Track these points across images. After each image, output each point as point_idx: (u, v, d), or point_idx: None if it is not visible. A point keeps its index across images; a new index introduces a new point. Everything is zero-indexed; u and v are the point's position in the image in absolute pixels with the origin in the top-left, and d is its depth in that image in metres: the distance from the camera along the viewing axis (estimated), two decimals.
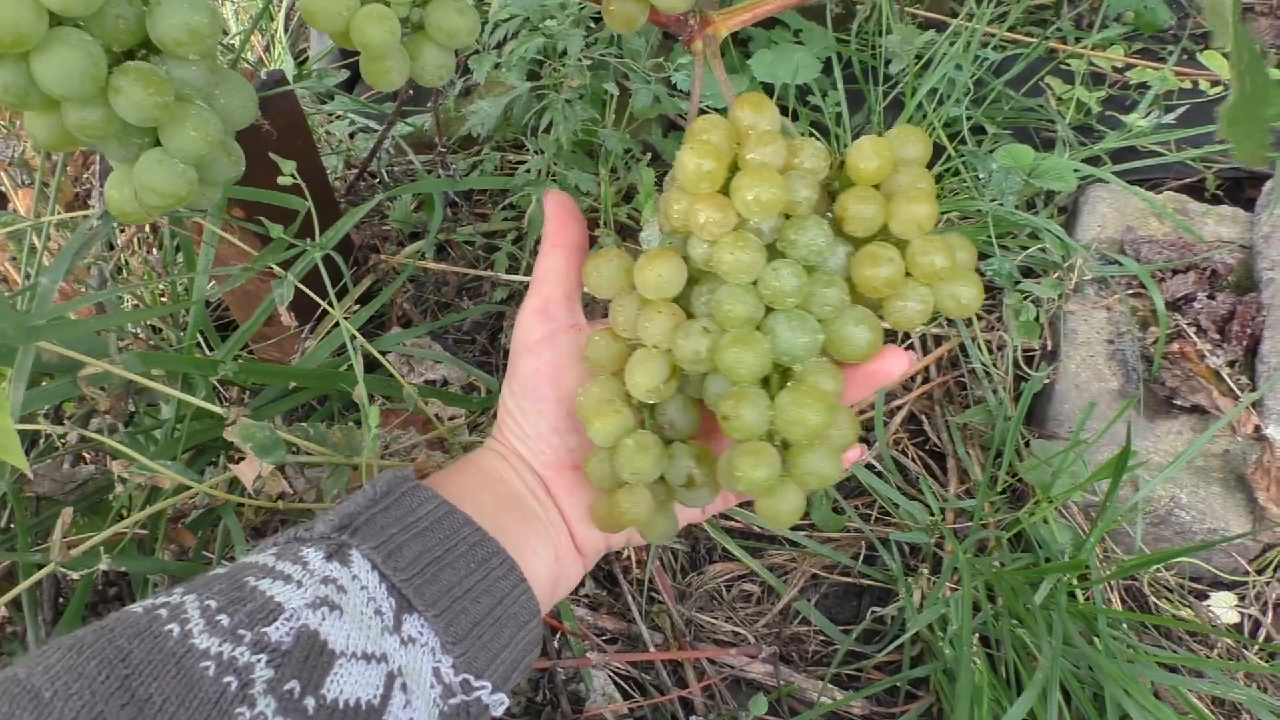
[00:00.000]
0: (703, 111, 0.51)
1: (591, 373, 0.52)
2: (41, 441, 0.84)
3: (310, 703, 0.38)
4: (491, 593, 0.46)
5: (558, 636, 0.96)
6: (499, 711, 0.45)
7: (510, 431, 0.55)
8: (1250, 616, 0.99)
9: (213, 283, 0.97)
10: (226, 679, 0.37)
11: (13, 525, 0.79)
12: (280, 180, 0.80)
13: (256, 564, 0.43)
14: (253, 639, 0.38)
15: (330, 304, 0.81)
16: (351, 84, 1.58)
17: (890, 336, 0.58)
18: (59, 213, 0.87)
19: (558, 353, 0.53)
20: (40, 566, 0.69)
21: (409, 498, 0.48)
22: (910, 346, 1.20)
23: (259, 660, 0.38)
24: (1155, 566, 0.99)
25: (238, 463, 0.71)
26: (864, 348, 0.46)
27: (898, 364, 0.49)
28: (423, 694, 0.42)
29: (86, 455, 0.92)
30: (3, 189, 1.04)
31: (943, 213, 1.27)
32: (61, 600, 0.81)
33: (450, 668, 0.43)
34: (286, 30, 1.56)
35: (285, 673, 0.38)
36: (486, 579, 0.46)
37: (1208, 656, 0.93)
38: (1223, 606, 0.99)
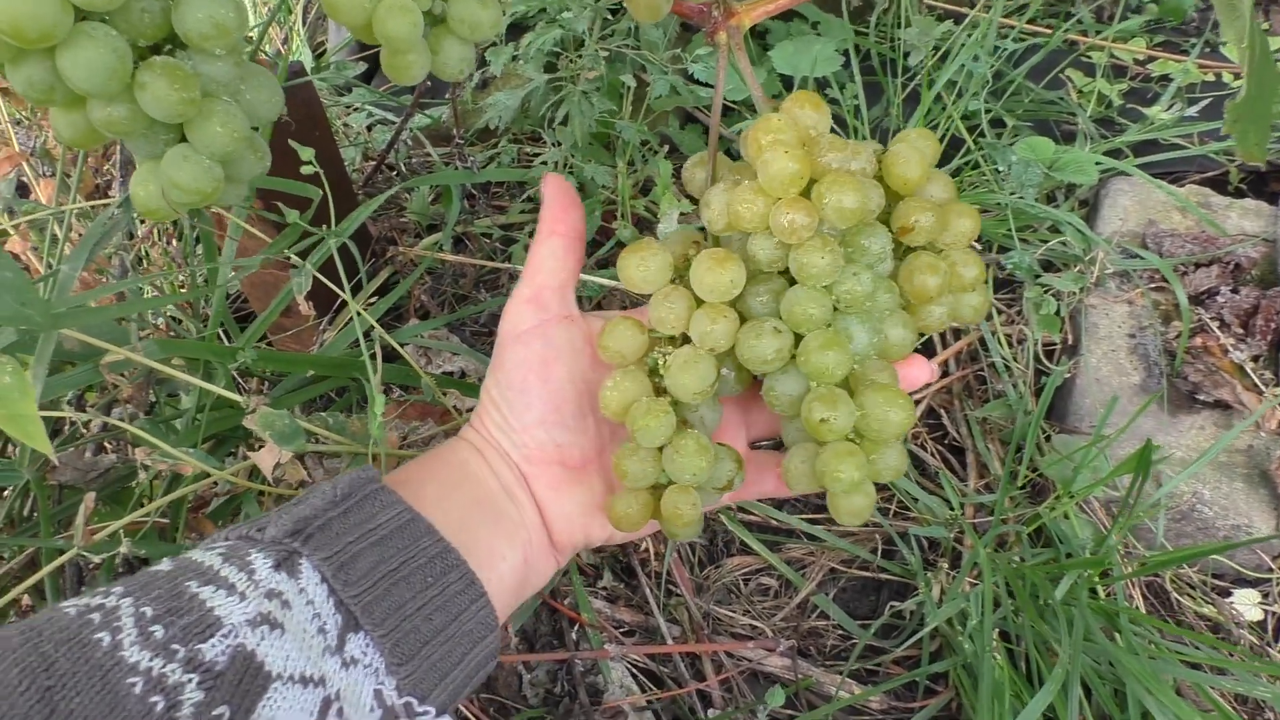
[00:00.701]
0: (725, 105, 0.51)
1: (608, 362, 0.51)
2: (65, 430, 0.85)
3: None
4: (446, 609, 0.44)
5: (576, 628, 0.96)
6: None
7: (492, 422, 0.53)
8: (1274, 614, 0.98)
9: (233, 273, 0.97)
10: (153, 699, 0.35)
11: (35, 513, 0.79)
12: (304, 170, 0.80)
13: (201, 566, 0.41)
14: (185, 655, 0.37)
15: (348, 295, 0.81)
16: (369, 76, 1.58)
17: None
18: (80, 203, 0.88)
19: (548, 344, 0.52)
20: (62, 553, 0.69)
21: (370, 502, 0.46)
22: (928, 344, 1.19)
23: (190, 680, 0.36)
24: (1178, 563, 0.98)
25: (257, 451, 0.71)
26: (905, 349, 0.49)
27: (922, 372, 0.52)
28: (361, 718, 0.40)
29: (108, 445, 0.92)
30: (25, 179, 1.04)
31: None
32: (83, 588, 0.82)
33: (394, 689, 0.42)
34: (305, 23, 1.56)
35: (216, 696, 0.36)
36: (443, 594, 0.45)
37: (1230, 654, 0.92)
38: (1246, 603, 0.98)
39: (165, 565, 0.41)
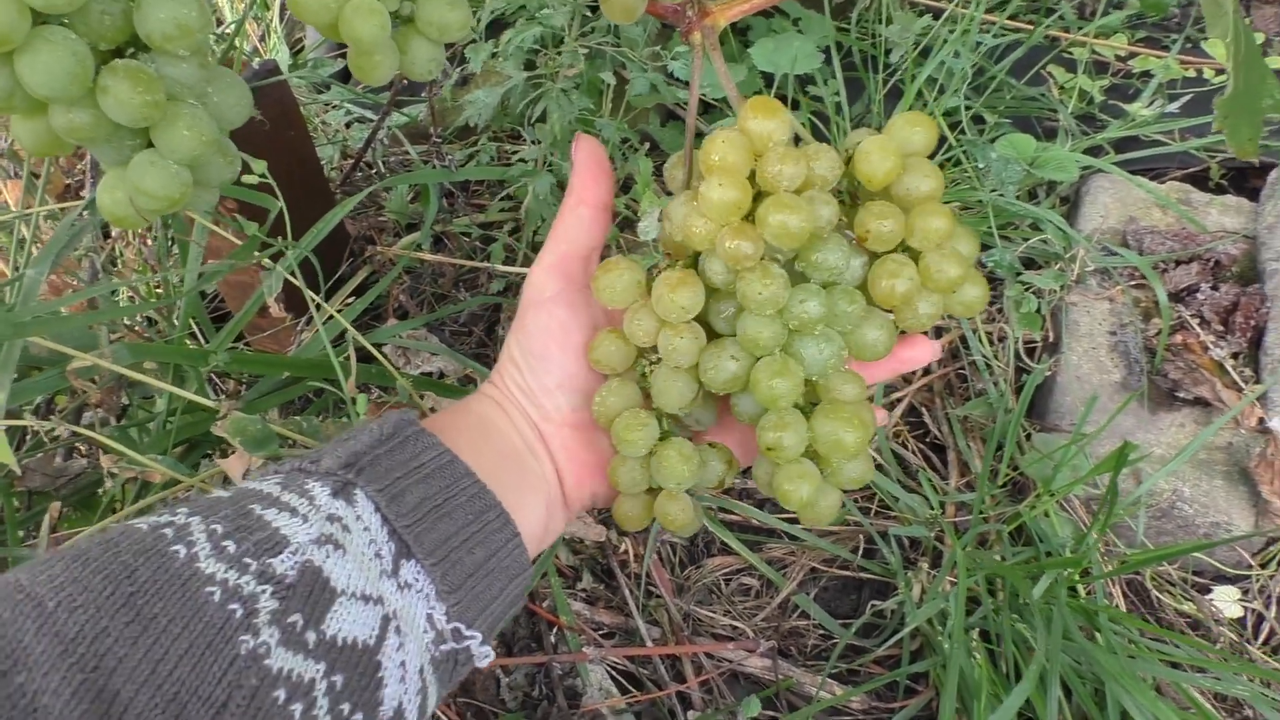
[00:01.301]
0: (700, 104, 0.51)
1: (599, 371, 0.53)
2: (30, 436, 0.84)
3: (311, 637, 0.38)
4: (486, 545, 0.46)
5: (554, 631, 0.95)
6: (484, 663, 0.46)
7: (512, 380, 0.55)
8: (1253, 611, 0.98)
9: (203, 275, 0.96)
10: (232, 606, 0.37)
11: (2, 520, 0.78)
12: (247, 179, 0.79)
13: (261, 492, 0.42)
14: (258, 569, 0.38)
15: (322, 297, 0.80)
16: (348, 74, 1.57)
17: None
18: (49, 204, 0.86)
19: (570, 312, 0.53)
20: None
21: (413, 442, 0.47)
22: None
23: (264, 591, 0.38)
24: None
25: (228, 457, 0.70)
26: (882, 349, 0.49)
27: (924, 352, 0.52)
28: (416, 638, 0.42)
29: (80, 448, 0.91)
30: None
31: (943, 202, 1.26)
32: None
33: (443, 615, 0.44)
34: (282, 19, 1.54)
35: (289, 605, 0.38)
36: (483, 530, 0.46)
37: (1210, 652, 0.92)
38: (1225, 600, 0.98)
39: (224, 493, 0.43)
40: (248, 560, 0.38)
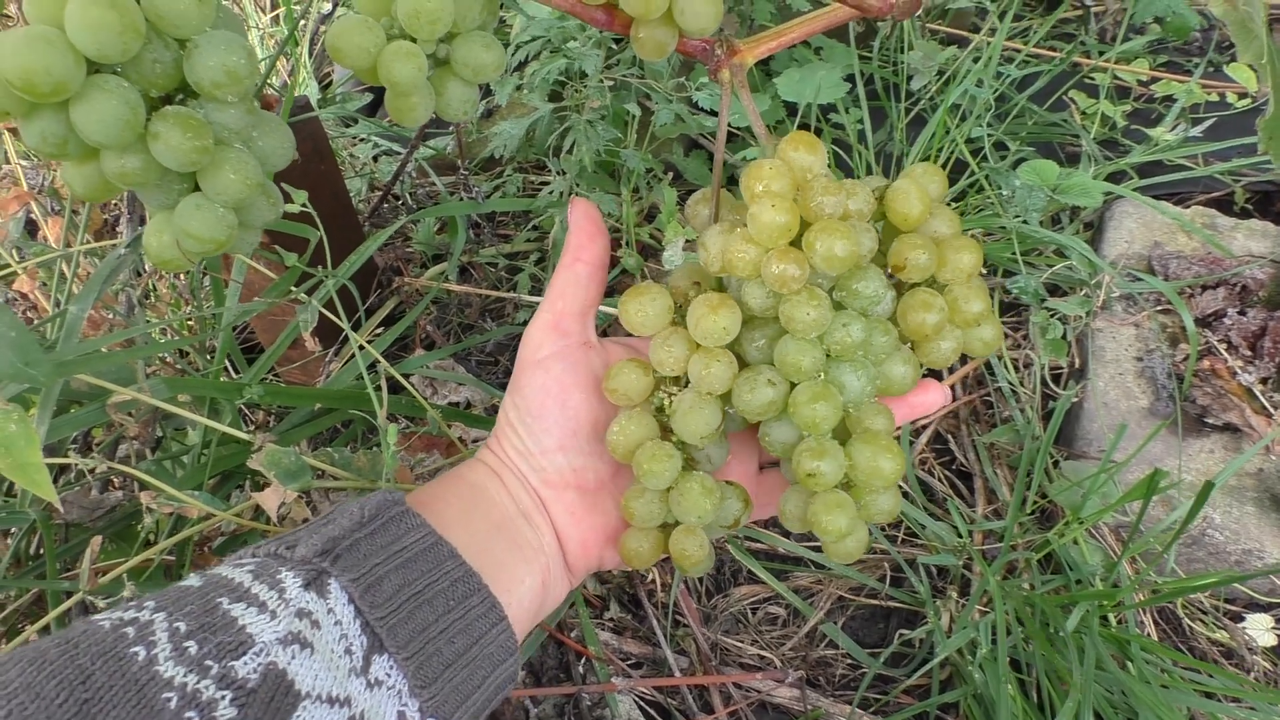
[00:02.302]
0: (730, 134, 0.52)
1: (614, 403, 0.52)
2: (71, 469, 0.85)
3: None
4: (469, 632, 0.45)
5: (583, 662, 0.95)
6: None
7: (510, 445, 0.54)
8: None
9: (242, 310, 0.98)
10: (188, 714, 0.36)
11: (41, 552, 0.80)
12: (287, 208, 0.80)
13: (231, 583, 0.41)
14: (219, 672, 0.37)
15: (353, 328, 0.82)
16: (375, 107, 1.60)
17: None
18: (88, 241, 0.88)
19: (567, 370, 0.53)
20: (69, 594, 0.69)
21: (396, 524, 0.46)
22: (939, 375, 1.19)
23: (223, 697, 0.37)
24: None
25: (263, 489, 0.71)
26: (907, 385, 0.50)
27: (936, 398, 0.53)
28: None
29: (115, 480, 0.93)
30: (34, 216, 1.05)
31: (967, 230, 1.26)
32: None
33: (417, 711, 0.43)
34: (311, 55, 1.57)
35: (248, 713, 0.37)
36: (465, 617, 0.45)
37: (1244, 678, 0.91)
38: (1259, 629, 0.97)
39: (195, 581, 0.42)
40: (209, 663, 0.37)
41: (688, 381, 0.50)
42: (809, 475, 0.46)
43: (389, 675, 0.42)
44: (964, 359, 1.19)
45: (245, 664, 0.38)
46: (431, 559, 0.46)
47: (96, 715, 0.34)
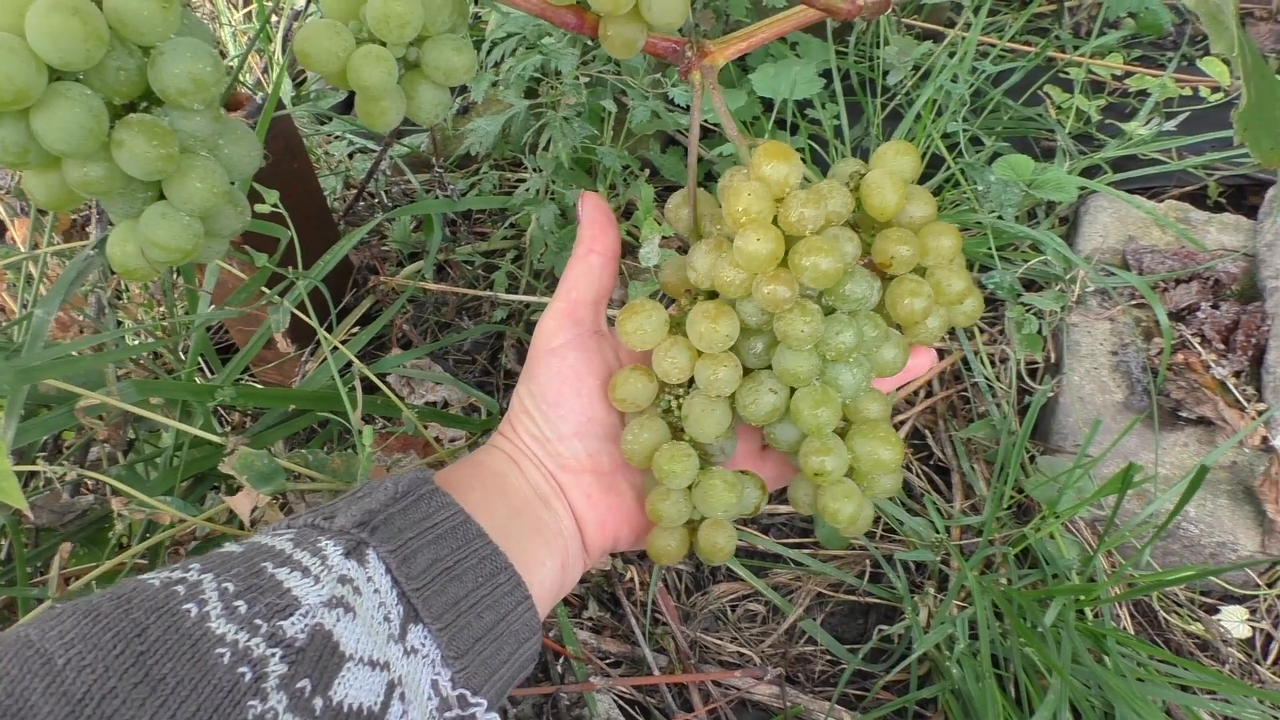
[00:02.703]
0: (701, 129, 0.53)
1: (622, 410, 0.54)
2: (41, 475, 0.84)
3: (319, 703, 0.38)
4: (496, 608, 0.46)
5: (561, 661, 0.95)
6: None
7: (526, 432, 0.55)
8: (1262, 631, 0.98)
9: (211, 307, 0.97)
10: (241, 669, 0.36)
11: (11, 557, 0.79)
12: (259, 208, 0.80)
13: (273, 549, 0.42)
14: (268, 631, 0.38)
15: (329, 328, 0.81)
16: (349, 105, 1.58)
17: None
18: (56, 241, 0.87)
19: (582, 357, 0.54)
20: (40, 600, 0.68)
21: (427, 501, 0.48)
22: None
23: (274, 654, 0.38)
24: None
25: (236, 492, 0.70)
26: (898, 366, 0.52)
27: (926, 360, 0.55)
28: (420, 705, 0.42)
29: (87, 484, 0.92)
30: (0, 218, 1.04)
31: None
32: None
33: (449, 681, 0.44)
34: (284, 52, 1.55)
35: (298, 670, 0.38)
36: (493, 594, 0.47)
37: (1219, 672, 0.92)
38: (1233, 621, 0.98)
39: (236, 547, 0.43)
40: (259, 622, 0.38)
41: (690, 384, 0.52)
42: (816, 474, 0.49)
43: (424, 644, 0.43)
44: (941, 355, 1.19)
45: (293, 624, 0.39)
46: (461, 536, 0.47)
47: (152, 667, 0.35)
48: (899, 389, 1.15)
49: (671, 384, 0.52)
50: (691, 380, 0.52)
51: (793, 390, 0.50)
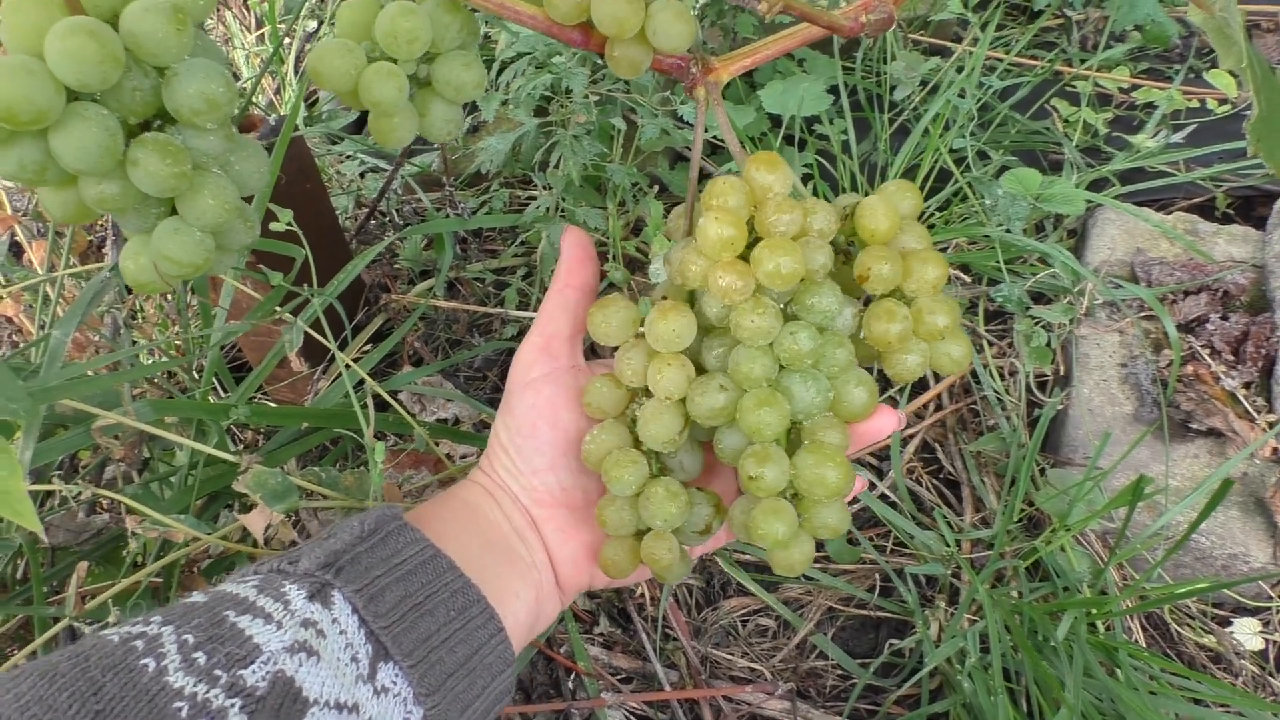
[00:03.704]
0: (708, 145, 0.53)
1: (591, 417, 0.53)
2: (56, 494, 0.85)
3: None
4: (469, 642, 0.46)
5: (572, 677, 0.95)
6: None
7: (502, 466, 0.55)
8: (1275, 643, 0.98)
9: (227, 325, 0.98)
10: None
11: (28, 577, 0.79)
12: (274, 226, 0.81)
13: (236, 596, 0.42)
14: (228, 681, 0.38)
15: (341, 346, 0.82)
16: (361, 125, 1.60)
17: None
18: (73, 263, 0.88)
19: (558, 391, 0.54)
20: (56, 620, 0.69)
21: (395, 537, 0.47)
22: (921, 379, 1.19)
23: (233, 705, 0.37)
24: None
25: (249, 511, 0.71)
26: (863, 409, 0.49)
27: (889, 423, 0.52)
28: None
29: (102, 503, 0.93)
30: (18, 239, 1.05)
31: (951, 239, 1.27)
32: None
33: (421, 718, 0.43)
34: (297, 73, 1.57)
35: (258, 719, 0.37)
36: (465, 628, 0.46)
37: (1232, 684, 0.92)
38: (1246, 633, 0.98)
39: (200, 597, 0.43)
40: (218, 672, 0.38)
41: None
42: (750, 479, 0.47)
43: (395, 683, 0.43)
44: None
45: (253, 672, 0.38)
46: (431, 571, 0.47)
47: None
48: (900, 434, 1.15)
49: (640, 391, 0.51)
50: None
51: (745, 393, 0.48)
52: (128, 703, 0.36)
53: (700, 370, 0.50)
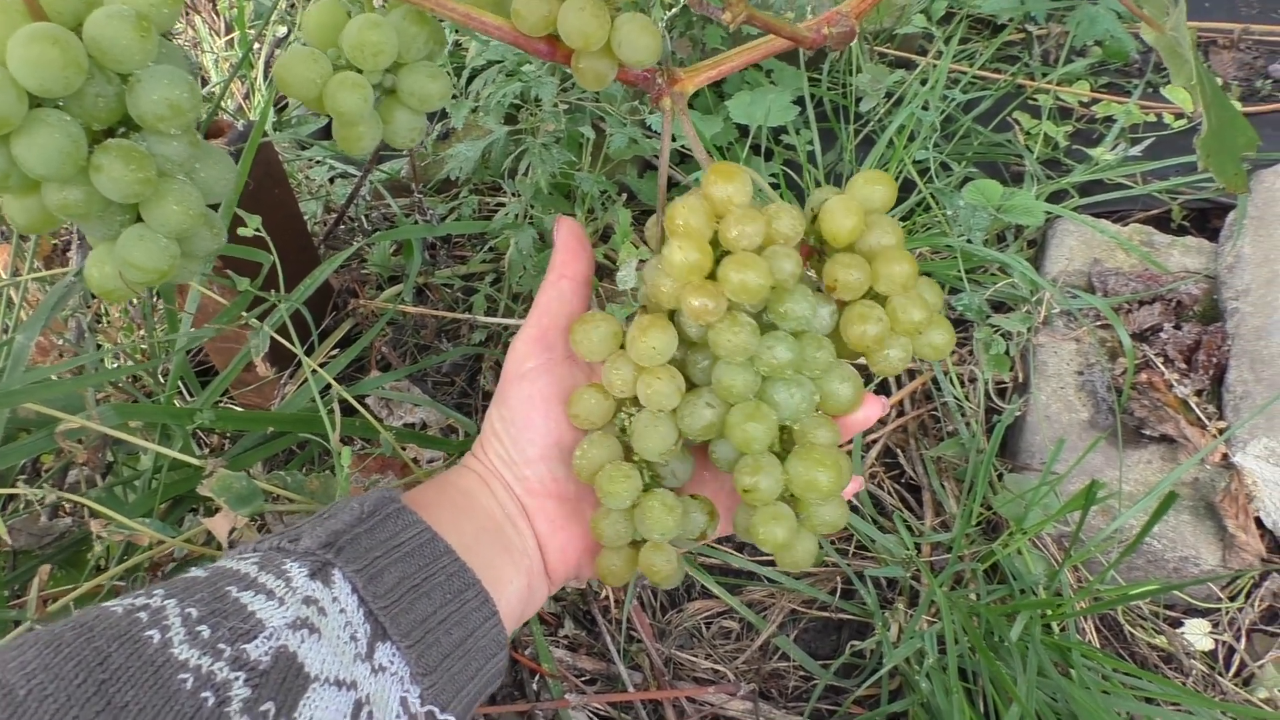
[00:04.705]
0: (677, 154, 0.53)
1: (578, 428, 0.54)
2: (20, 497, 0.85)
3: None
4: (464, 624, 0.47)
5: (536, 679, 0.96)
6: None
7: (495, 454, 0.56)
8: (1224, 643, 1.00)
9: (191, 330, 0.98)
10: (204, 694, 0.36)
11: None
12: (241, 232, 0.81)
13: (238, 573, 0.42)
14: (232, 655, 0.38)
15: (307, 352, 0.82)
16: (329, 130, 1.60)
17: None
18: (37, 267, 0.88)
19: (551, 382, 0.54)
20: (18, 623, 0.69)
21: (393, 520, 0.48)
22: (884, 384, 1.21)
23: (237, 678, 0.38)
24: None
25: (214, 514, 0.71)
26: (849, 402, 0.50)
27: (874, 410, 0.53)
28: None
29: (65, 506, 0.92)
30: None
31: (914, 248, 1.29)
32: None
33: (418, 698, 0.44)
34: (266, 78, 1.57)
35: (262, 693, 0.38)
36: (461, 610, 0.47)
37: (1183, 684, 0.94)
38: (1196, 634, 1.00)
39: (200, 572, 0.43)
40: (222, 646, 0.38)
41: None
42: (746, 491, 0.48)
43: (392, 662, 0.43)
44: (912, 375, 1.22)
45: (257, 647, 0.39)
46: (429, 553, 0.47)
47: (114, 695, 0.35)
48: (863, 439, 1.17)
49: (627, 400, 0.52)
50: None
51: (732, 407, 0.49)
52: (133, 673, 0.36)
53: (689, 384, 0.51)
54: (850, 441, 1.13)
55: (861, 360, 0.52)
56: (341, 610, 0.43)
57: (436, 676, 0.45)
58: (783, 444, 0.50)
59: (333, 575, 0.44)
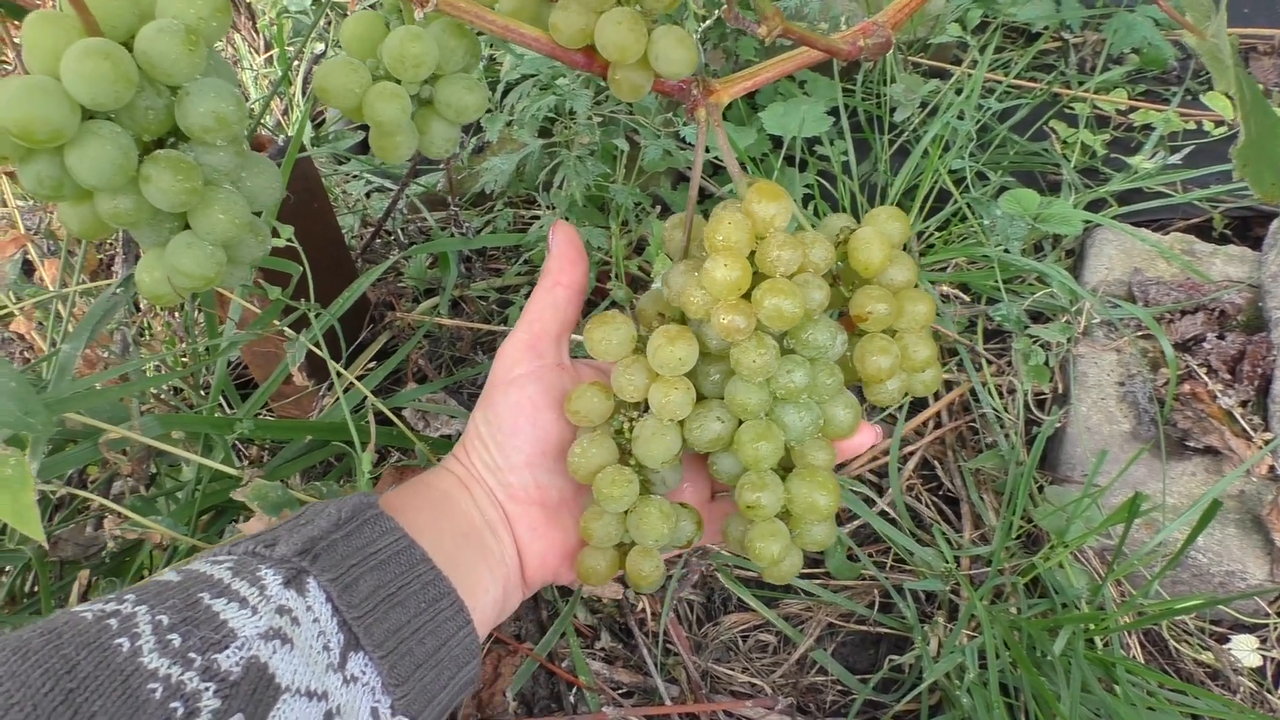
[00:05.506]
0: (710, 165, 0.54)
1: (575, 424, 0.54)
2: (65, 506, 0.86)
3: None
4: (438, 634, 0.47)
5: (574, 691, 0.96)
6: None
7: (478, 458, 0.55)
8: (1273, 659, 0.98)
9: (227, 343, 0.99)
10: (173, 704, 0.36)
11: (36, 589, 0.80)
12: (276, 243, 0.82)
13: (211, 578, 0.42)
14: (202, 665, 0.38)
15: (343, 363, 0.83)
16: (367, 145, 1.62)
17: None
18: (83, 281, 0.90)
19: (541, 390, 0.54)
20: None
21: (370, 526, 0.48)
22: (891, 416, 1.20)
23: (207, 689, 0.37)
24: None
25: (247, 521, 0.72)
26: (848, 429, 0.52)
27: (869, 438, 0.55)
28: None
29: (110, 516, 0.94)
30: (30, 257, 1.07)
31: (950, 258, 1.28)
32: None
33: (389, 709, 0.44)
34: (304, 94, 1.60)
35: (232, 705, 0.37)
36: (435, 620, 0.47)
37: (1230, 700, 0.92)
38: (1244, 650, 0.98)
39: (173, 576, 0.43)
40: (192, 655, 0.38)
41: (646, 407, 0.52)
42: (749, 506, 0.49)
43: (364, 672, 0.43)
44: (949, 386, 1.21)
45: (228, 657, 0.39)
46: (405, 562, 0.47)
47: (82, 704, 0.35)
48: (900, 451, 1.16)
49: (627, 404, 0.52)
50: (646, 403, 0.52)
51: (740, 422, 0.50)
52: (102, 682, 0.36)
53: (696, 392, 0.51)
54: (885, 453, 1.13)
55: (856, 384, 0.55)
56: (315, 620, 0.43)
57: (408, 687, 0.45)
58: (782, 462, 0.51)
59: (307, 584, 0.44)
